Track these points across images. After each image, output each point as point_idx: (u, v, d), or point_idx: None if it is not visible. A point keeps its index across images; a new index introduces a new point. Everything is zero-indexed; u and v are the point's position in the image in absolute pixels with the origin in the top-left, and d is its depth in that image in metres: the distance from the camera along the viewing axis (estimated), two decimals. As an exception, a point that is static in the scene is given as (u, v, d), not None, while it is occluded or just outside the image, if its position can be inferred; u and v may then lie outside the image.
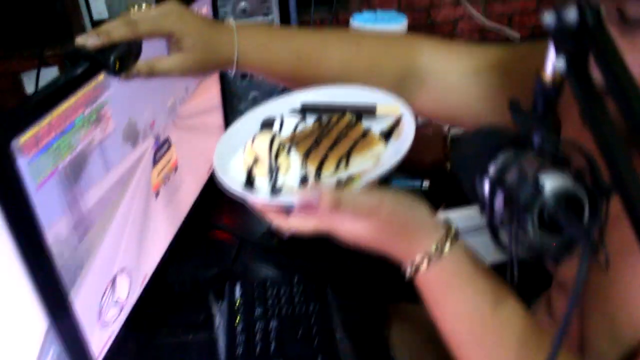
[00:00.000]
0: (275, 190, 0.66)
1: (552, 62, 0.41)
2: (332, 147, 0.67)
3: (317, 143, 0.68)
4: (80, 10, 1.36)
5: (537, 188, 0.44)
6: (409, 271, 0.62)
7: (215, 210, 1.26)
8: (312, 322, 0.98)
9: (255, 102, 1.46)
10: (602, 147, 0.39)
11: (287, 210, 0.63)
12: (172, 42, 0.72)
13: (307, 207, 0.60)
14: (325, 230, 0.61)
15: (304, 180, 0.66)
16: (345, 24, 1.62)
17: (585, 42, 0.37)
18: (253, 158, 0.67)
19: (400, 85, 0.83)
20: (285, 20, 1.40)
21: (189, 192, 1.12)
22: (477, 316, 0.61)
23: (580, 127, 0.61)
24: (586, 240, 0.41)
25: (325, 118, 0.73)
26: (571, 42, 0.37)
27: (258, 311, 1.01)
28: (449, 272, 0.61)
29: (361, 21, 1.50)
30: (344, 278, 1.08)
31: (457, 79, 0.82)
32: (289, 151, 0.68)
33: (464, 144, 0.59)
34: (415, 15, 1.92)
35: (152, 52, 0.72)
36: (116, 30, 0.66)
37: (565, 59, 0.38)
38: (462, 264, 0.62)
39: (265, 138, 0.68)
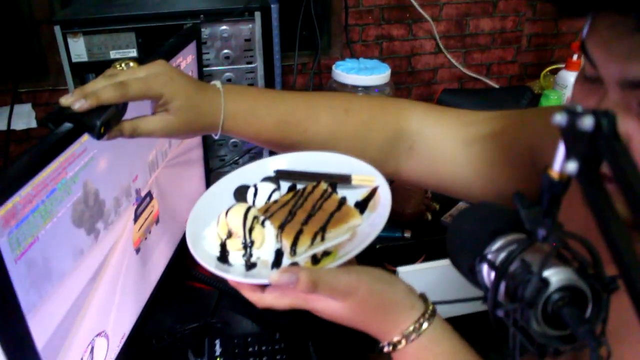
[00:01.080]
0: (249, 266, 0.64)
1: (561, 160, 0.40)
2: (307, 220, 0.65)
3: (291, 215, 0.67)
4: (59, 50, 1.33)
5: (542, 283, 0.43)
6: (386, 349, 0.61)
7: (194, 260, 1.22)
8: (294, 382, 0.96)
9: (236, 147, 1.45)
10: (612, 248, 0.38)
11: (262, 286, 0.61)
12: (159, 103, 0.70)
13: (283, 286, 0.58)
14: (301, 308, 0.60)
15: (278, 254, 0.65)
16: (328, 70, 1.63)
17: (598, 148, 0.36)
18: (226, 232, 0.66)
19: (389, 151, 0.82)
20: (268, 66, 1.39)
21: (168, 243, 1.09)
22: None
23: (580, 210, 0.61)
24: (593, 341, 0.40)
25: (300, 187, 0.72)
26: (585, 146, 0.37)
27: (238, 370, 0.98)
28: (426, 351, 0.60)
29: (344, 69, 1.50)
30: (325, 333, 1.05)
31: (447, 147, 0.81)
32: (263, 223, 0.66)
33: (461, 221, 0.59)
34: (397, 62, 1.94)
35: (134, 110, 0.70)
36: (105, 93, 0.64)
37: (577, 161, 0.38)
38: (440, 342, 0.61)
39: (239, 211, 0.66)
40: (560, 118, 0.38)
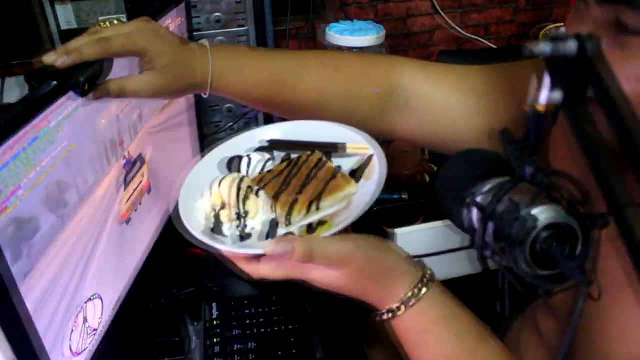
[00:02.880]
0: (243, 236, 0.63)
1: (547, 91, 0.39)
2: (301, 189, 0.64)
3: (286, 184, 0.65)
4: (47, 18, 1.31)
5: (530, 221, 0.42)
6: (385, 317, 0.61)
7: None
8: (292, 341, 0.96)
9: (230, 112, 1.43)
10: (600, 179, 0.37)
11: (257, 256, 0.60)
12: (145, 60, 0.68)
13: (278, 256, 0.57)
14: (297, 278, 0.59)
15: (273, 224, 0.64)
16: (321, 33, 1.60)
17: (583, 72, 0.35)
18: (220, 203, 0.65)
19: (381, 107, 0.81)
20: (260, 30, 1.37)
21: (160, 211, 1.09)
22: (454, 359, 0.60)
23: (567, 152, 0.60)
24: (582, 279, 0.40)
25: (293, 156, 0.71)
26: (569, 72, 0.36)
27: (235, 332, 0.98)
28: (425, 316, 0.60)
29: (337, 31, 1.48)
30: (322, 294, 1.05)
31: (441, 101, 0.79)
32: (257, 193, 0.65)
33: (451, 166, 0.58)
34: (392, 24, 1.91)
35: (119, 70, 0.68)
36: (87, 48, 0.63)
37: (562, 89, 0.37)
38: (438, 307, 0.61)
39: (232, 181, 0.65)
40: (544, 46, 0.37)
